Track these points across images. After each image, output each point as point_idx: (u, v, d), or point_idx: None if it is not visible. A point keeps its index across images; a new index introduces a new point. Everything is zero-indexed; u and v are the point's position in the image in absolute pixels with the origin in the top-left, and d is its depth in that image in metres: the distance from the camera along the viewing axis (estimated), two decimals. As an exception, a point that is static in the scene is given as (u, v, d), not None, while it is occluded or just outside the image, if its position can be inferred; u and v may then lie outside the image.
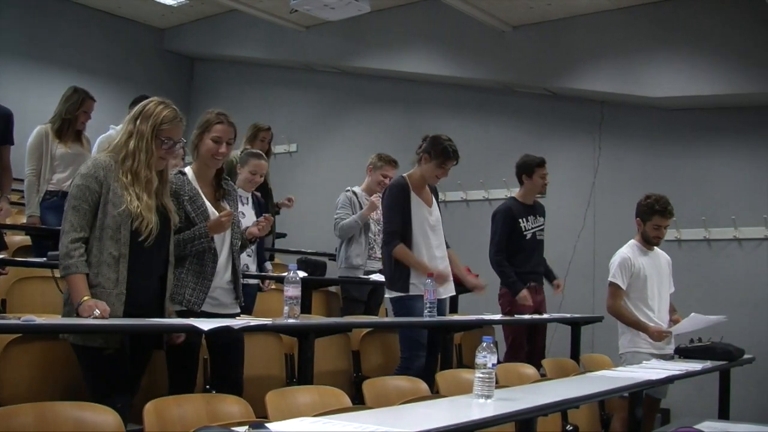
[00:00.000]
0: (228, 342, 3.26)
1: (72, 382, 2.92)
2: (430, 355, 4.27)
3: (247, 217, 4.49)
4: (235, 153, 5.08)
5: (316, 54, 8.55)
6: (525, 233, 5.11)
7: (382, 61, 8.09)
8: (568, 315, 5.70)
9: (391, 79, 8.22)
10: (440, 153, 4.26)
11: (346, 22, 7.38)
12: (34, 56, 8.54)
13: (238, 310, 3.45)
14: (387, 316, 5.52)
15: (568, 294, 6.47)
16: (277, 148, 8.00)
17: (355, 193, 5.56)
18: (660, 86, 6.48)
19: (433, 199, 4.48)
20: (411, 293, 4.22)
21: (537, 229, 5.19)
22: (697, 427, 3.21)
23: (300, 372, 3.34)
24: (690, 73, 6.36)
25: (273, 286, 4.97)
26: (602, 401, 4.28)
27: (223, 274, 3.32)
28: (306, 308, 4.77)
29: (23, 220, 5.25)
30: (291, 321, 3.17)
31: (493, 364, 2.52)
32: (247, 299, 4.09)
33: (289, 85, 9.17)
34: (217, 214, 3.27)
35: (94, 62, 8.91)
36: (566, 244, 6.80)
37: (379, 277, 5.10)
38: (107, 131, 5.18)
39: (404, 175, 4.44)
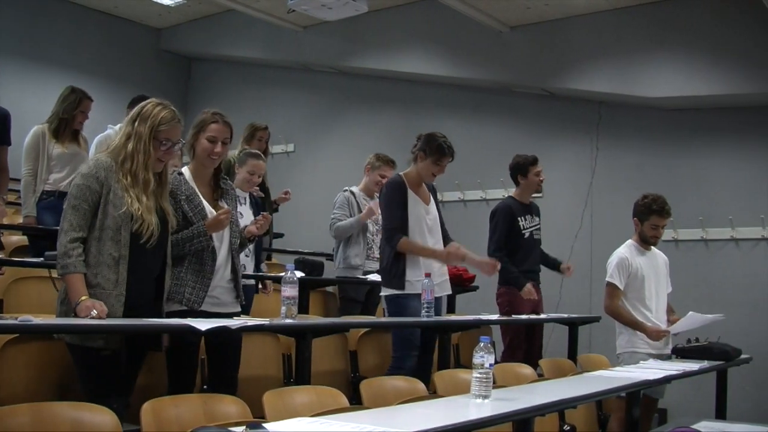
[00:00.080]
0: (225, 341, 3.25)
1: (69, 383, 2.92)
2: (426, 354, 4.27)
3: (245, 217, 4.47)
4: (233, 153, 5.08)
5: (314, 54, 8.54)
6: (523, 232, 5.11)
7: (380, 62, 8.09)
8: (566, 315, 5.71)
9: (389, 79, 8.21)
10: (435, 150, 4.26)
11: (343, 22, 7.38)
12: (31, 56, 8.52)
13: (239, 309, 3.44)
14: (384, 316, 5.52)
15: (565, 294, 6.49)
16: (275, 148, 7.97)
17: (353, 193, 5.56)
18: (657, 86, 6.48)
19: (431, 197, 4.48)
20: (406, 291, 4.21)
21: (534, 228, 5.19)
22: (694, 426, 3.22)
23: (297, 372, 3.34)
24: (687, 74, 6.36)
25: (273, 288, 4.95)
26: (599, 401, 4.28)
27: (222, 273, 3.32)
28: (303, 308, 4.76)
29: (20, 220, 5.24)
30: (288, 321, 3.18)
31: (491, 364, 2.52)
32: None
33: (286, 85, 9.16)
34: (214, 213, 3.27)
35: (91, 62, 8.90)
36: (563, 244, 6.79)
37: (376, 278, 5.09)
38: (105, 131, 5.19)
39: (400, 173, 4.43)
